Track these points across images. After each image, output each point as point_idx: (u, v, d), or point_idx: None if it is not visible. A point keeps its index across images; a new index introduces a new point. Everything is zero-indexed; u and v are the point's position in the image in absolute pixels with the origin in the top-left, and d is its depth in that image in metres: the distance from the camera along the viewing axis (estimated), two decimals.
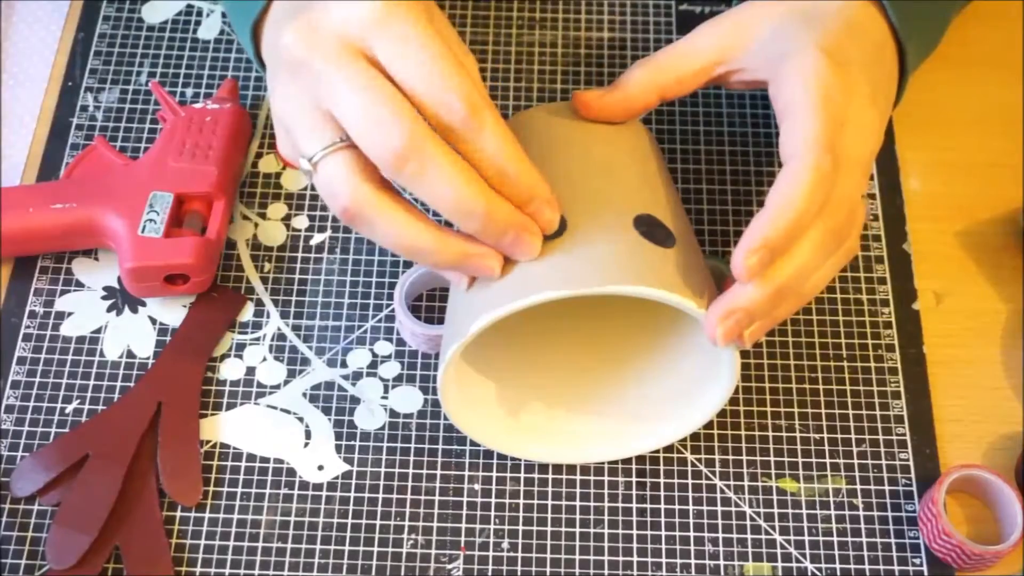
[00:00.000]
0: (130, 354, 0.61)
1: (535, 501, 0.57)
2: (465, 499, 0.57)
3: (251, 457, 0.58)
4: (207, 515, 0.57)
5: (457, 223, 0.48)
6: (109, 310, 0.62)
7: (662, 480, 0.58)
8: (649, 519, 0.57)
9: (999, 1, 0.72)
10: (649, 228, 0.51)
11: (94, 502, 0.55)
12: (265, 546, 0.56)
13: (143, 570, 0.55)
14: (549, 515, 0.57)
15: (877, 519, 0.57)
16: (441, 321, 0.60)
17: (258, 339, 0.61)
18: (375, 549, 0.56)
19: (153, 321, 0.62)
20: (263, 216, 0.65)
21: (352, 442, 0.59)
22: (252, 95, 0.68)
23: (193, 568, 0.55)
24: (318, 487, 0.58)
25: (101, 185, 0.61)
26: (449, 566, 0.56)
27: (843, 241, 0.51)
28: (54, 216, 0.60)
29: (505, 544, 0.56)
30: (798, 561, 0.56)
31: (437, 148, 0.46)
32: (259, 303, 0.62)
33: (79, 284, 0.63)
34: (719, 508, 0.57)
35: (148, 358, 0.61)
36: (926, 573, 0.56)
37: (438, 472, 0.58)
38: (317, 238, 0.64)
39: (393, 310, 0.61)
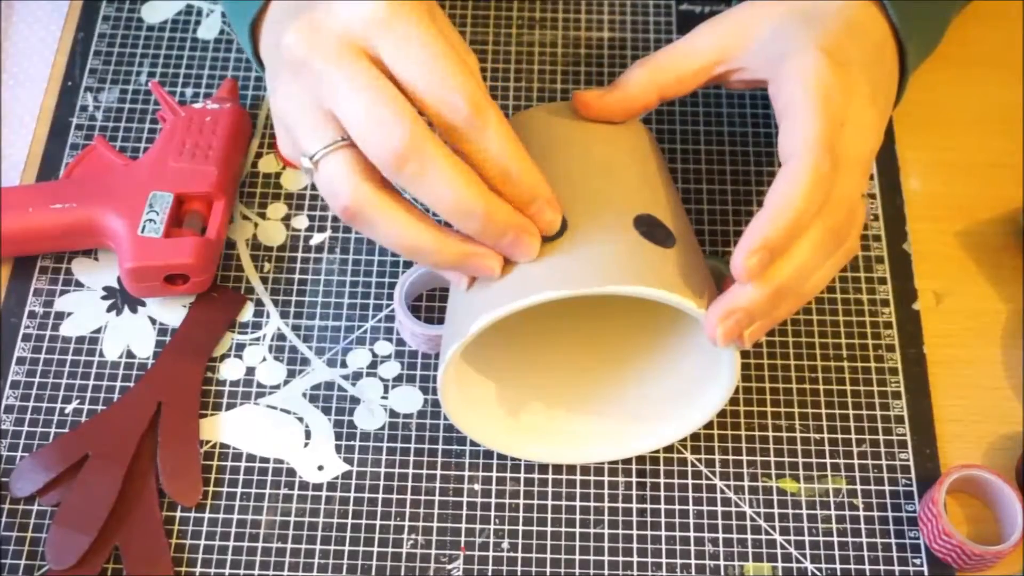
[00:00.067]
0: (130, 354, 0.61)
1: (535, 501, 0.57)
2: (465, 499, 0.57)
3: (251, 457, 0.58)
4: (207, 515, 0.57)
5: (456, 224, 0.48)
6: (109, 310, 0.62)
7: (662, 480, 0.58)
8: (649, 519, 0.57)
9: (999, 1, 0.72)
10: (649, 228, 0.51)
11: (94, 502, 0.55)
12: (265, 546, 0.56)
13: (143, 570, 0.55)
14: (549, 515, 0.57)
15: (877, 519, 0.57)
16: (441, 321, 0.60)
17: (258, 339, 0.61)
18: (375, 549, 0.56)
19: (153, 321, 0.62)
20: (263, 216, 0.65)
21: (352, 442, 0.59)
22: (252, 95, 0.68)
23: (193, 568, 0.55)
24: (318, 487, 0.58)
25: (101, 185, 0.61)
26: (449, 566, 0.56)
27: (843, 241, 0.51)
28: (54, 216, 0.60)
29: (505, 544, 0.56)
30: (798, 561, 0.56)
31: (437, 149, 0.46)
32: (259, 303, 0.62)
33: (79, 284, 0.63)
34: (719, 508, 0.57)
35: (148, 358, 0.61)
36: (926, 573, 0.56)
37: (438, 472, 0.58)
38: (317, 238, 0.64)
39: (393, 310, 0.61)
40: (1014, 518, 0.55)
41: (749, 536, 0.57)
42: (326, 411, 0.60)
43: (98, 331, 0.61)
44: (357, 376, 0.60)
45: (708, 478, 0.58)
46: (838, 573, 0.56)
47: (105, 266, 0.63)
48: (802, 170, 0.48)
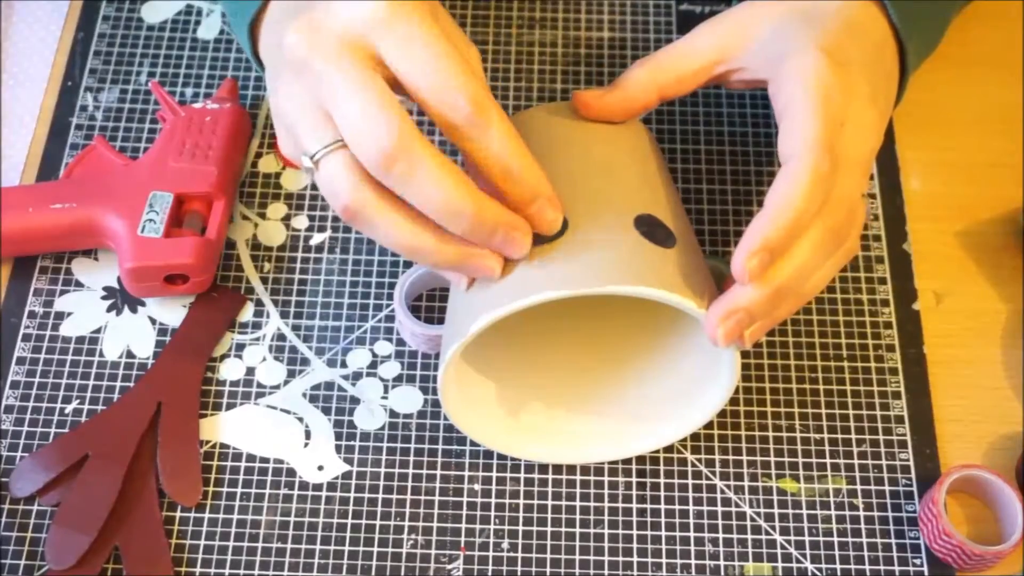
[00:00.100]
0: (130, 354, 0.61)
1: (535, 501, 0.57)
2: (465, 499, 0.57)
3: (251, 457, 0.58)
4: (207, 515, 0.57)
5: (446, 224, 0.48)
6: (109, 310, 0.62)
7: (662, 480, 0.58)
8: (649, 519, 0.57)
9: (999, 1, 0.72)
10: (649, 228, 0.51)
11: (94, 502, 0.55)
12: (265, 546, 0.56)
13: (143, 570, 0.55)
14: (549, 515, 0.57)
15: (877, 519, 0.57)
16: (441, 321, 0.60)
17: (258, 339, 0.61)
18: (375, 549, 0.56)
19: (153, 321, 0.62)
20: (263, 216, 0.65)
21: (352, 442, 0.59)
22: (252, 95, 0.68)
23: (193, 568, 0.55)
24: (318, 487, 0.58)
25: (101, 185, 0.61)
26: (449, 566, 0.56)
27: (843, 241, 0.51)
28: (54, 216, 0.60)
29: (505, 544, 0.56)
30: (798, 561, 0.56)
31: (425, 149, 0.46)
32: (259, 303, 0.62)
33: (79, 284, 0.63)
34: (719, 508, 0.57)
35: (148, 358, 0.61)
36: (926, 573, 0.56)
37: (438, 472, 0.58)
38: (317, 238, 0.64)
39: (393, 310, 0.61)
40: (1014, 518, 0.55)
41: (749, 536, 0.57)
42: (326, 411, 0.59)
43: (98, 331, 0.61)
44: (357, 376, 0.60)
45: (708, 478, 0.58)
46: (838, 573, 0.56)
47: (105, 266, 0.63)
48: (802, 170, 0.48)
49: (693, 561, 0.56)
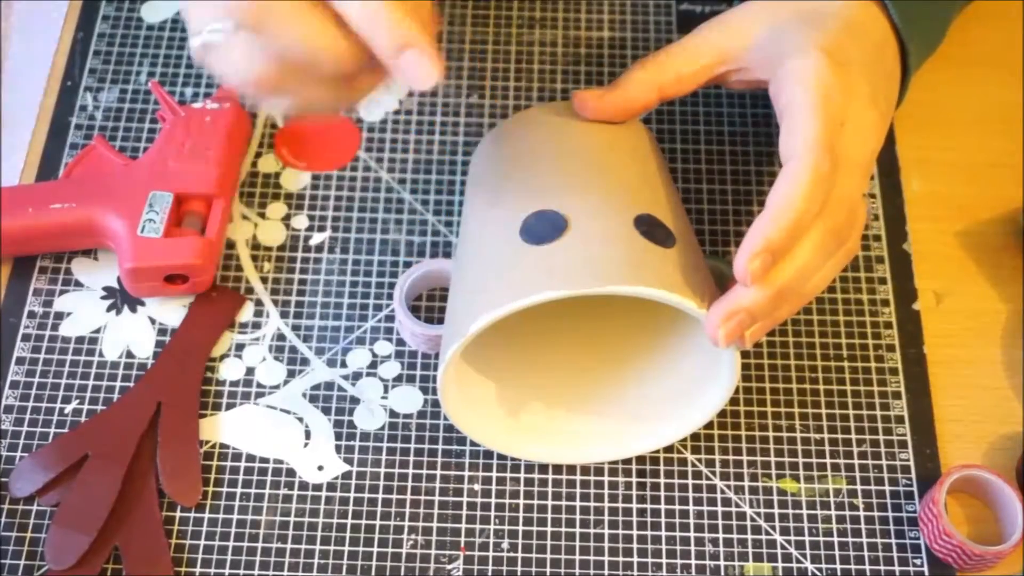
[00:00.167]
0: (129, 354, 0.61)
1: (535, 501, 0.57)
2: (465, 499, 0.57)
3: (251, 457, 0.58)
4: (207, 515, 0.57)
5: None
6: (108, 310, 0.62)
7: (662, 480, 0.58)
8: (649, 519, 0.57)
9: (999, 1, 0.72)
10: (649, 228, 0.51)
11: (93, 502, 0.55)
12: (265, 546, 0.56)
13: (143, 570, 0.55)
14: (549, 515, 0.57)
15: (878, 519, 0.57)
16: (441, 321, 0.60)
17: (258, 339, 0.61)
18: (375, 549, 0.56)
19: (152, 321, 0.62)
20: (263, 216, 0.65)
21: (352, 442, 0.59)
22: None
23: (193, 568, 0.55)
24: (318, 487, 0.58)
25: (100, 185, 0.61)
26: (449, 566, 0.56)
27: (844, 241, 0.51)
28: (53, 216, 0.60)
29: (505, 544, 0.56)
30: (798, 561, 0.56)
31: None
32: (259, 303, 0.62)
33: (78, 284, 0.63)
34: (719, 508, 0.57)
35: (148, 358, 0.60)
36: (927, 573, 0.56)
37: (438, 472, 0.58)
38: (317, 238, 0.64)
39: (393, 310, 0.61)
40: (1014, 518, 0.55)
41: (749, 536, 0.57)
42: (326, 411, 0.59)
43: (98, 331, 0.61)
44: (357, 376, 0.60)
45: (708, 478, 0.58)
46: (838, 573, 0.56)
47: (105, 266, 0.63)
48: (802, 171, 0.48)
49: (693, 561, 0.56)
